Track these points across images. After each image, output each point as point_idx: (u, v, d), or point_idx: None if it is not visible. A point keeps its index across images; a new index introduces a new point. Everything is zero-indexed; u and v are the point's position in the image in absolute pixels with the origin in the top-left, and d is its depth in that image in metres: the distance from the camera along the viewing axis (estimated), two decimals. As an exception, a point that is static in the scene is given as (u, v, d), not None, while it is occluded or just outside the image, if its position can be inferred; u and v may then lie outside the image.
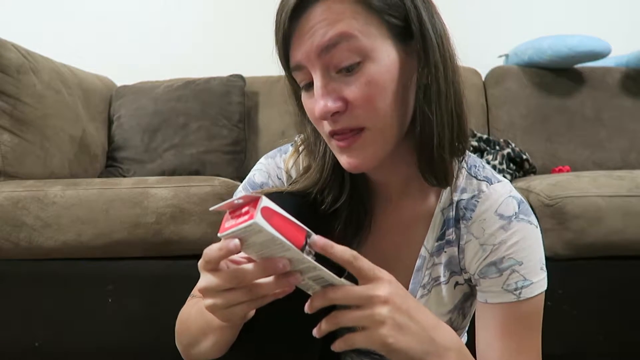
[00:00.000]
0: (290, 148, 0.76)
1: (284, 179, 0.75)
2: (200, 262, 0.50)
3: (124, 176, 1.70)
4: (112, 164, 1.77)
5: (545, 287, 0.67)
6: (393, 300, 0.51)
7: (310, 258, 0.47)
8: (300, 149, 0.73)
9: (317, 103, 0.58)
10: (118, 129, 1.81)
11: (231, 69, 1.94)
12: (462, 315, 0.73)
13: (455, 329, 0.73)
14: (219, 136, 1.79)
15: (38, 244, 1.22)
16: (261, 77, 1.95)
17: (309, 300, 0.51)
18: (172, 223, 1.22)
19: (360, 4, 0.56)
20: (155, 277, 1.26)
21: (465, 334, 0.81)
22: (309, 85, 0.60)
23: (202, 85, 1.85)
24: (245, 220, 0.44)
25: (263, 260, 0.48)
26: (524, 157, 1.69)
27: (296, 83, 0.63)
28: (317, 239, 0.48)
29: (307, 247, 0.47)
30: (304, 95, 0.62)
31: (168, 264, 1.26)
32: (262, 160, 0.78)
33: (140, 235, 1.22)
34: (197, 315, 0.63)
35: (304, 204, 0.67)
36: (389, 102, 0.58)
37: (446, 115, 0.60)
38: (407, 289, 0.70)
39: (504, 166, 1.64)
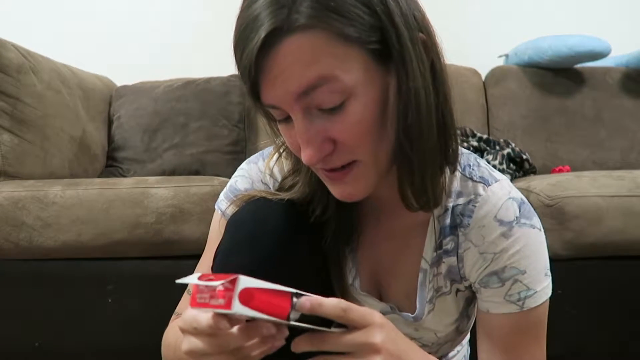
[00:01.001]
0: (272, 151, 0.72)
1: (269, 182, 0.71)
2: (180, 326, 0.48)
3: (124, 176, 1.70)
4: (112, 164, 1.77)
5: (549, 293, 0.64)
6: (385, 347, 0.49)
7: (297, 323, 0.45)
8: (281, 150, 0.69)
9: (303, 151, 0.53)
10: (118, 129, 1.81)
11: (231, 69, 1.91)
12: (467, 317, 0.72)
13: (461, 332, 0.72)
14: (219, 136, 1.79)
15: (38, 244, 1.22)
16: None
17: (296, 340, 0.48)
18: (172, 223, 1.22)
19: (336, 37, 0.49)
20: (155, 277, 1.26)
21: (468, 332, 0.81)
22: (288, 119, 0.54)
23: (202, 85, 1.85)
24: (221, 306, 0.42)
25: (247, 326, 0.46)
26: (524, 157, 1.69)
27: (269, 114, 0.57)
28: (303, 302, 0.45)
29: (293, 310, 0.45)
30: (281, 127, 0.57)
31: (168, 264, 1.26)
32: (243, 165, 0.74)
33: (140, 235, 1.22)
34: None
35: (293, 213, 0.64)
36: (377, 133, 0.54)
37: (428, 148, 0.55)
38: (413, 302, 0.68)
39: (504, 166, 1.64)
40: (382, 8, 0.50)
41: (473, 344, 0.84)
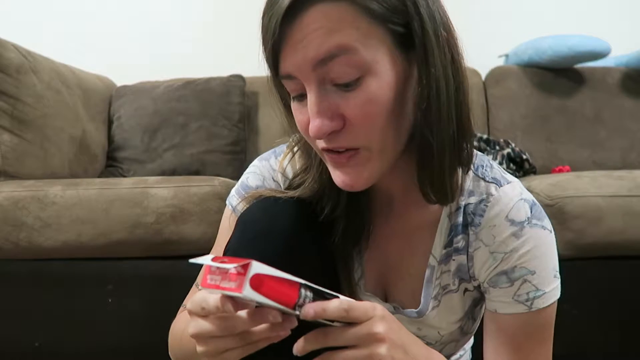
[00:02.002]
0: (285, 149, 0.72)
1: (280, 180, 0.71)
2: (189, 308, 0.49)
3: (124, 176, 1.70)
4: (112, 164, 1.77)
5: (558, 295, 0.64)
6: (389, 337, 0.49)
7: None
8: (295, 149, 0.70)
9: (312, 122, 0.53)
10: (118, 129, 1.81)
11: (231, 69, 1.94)
12: (472, 319, 0.71)
13: (465, 333, 0.72)
14: (219, 136, 1.79)
15: (38, 244, 1.22)
16: (261, 77, 1.89)
17: (299, 343, 0.48)
18: (172, 223, 1.22)
19: (361, 11, 0.50)
20: (155, 277, 1.26)
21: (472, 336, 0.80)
22: (302, 96, 0.55)
23: (202, 85, 1.85)
24: (232, 289, 0.43)
25: (255, 310, 0.46)
26: (524, 157, 1.69)
27: (284, 90, 0.58)
28: (307, 311, 0.45)
29: (300, 300, 0.45)
30: (294, 105, 0.57)
31: (168, 264, 1.26)
32: (255, 162, 0.74)
33: (140, 235, 1.22)
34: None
35: (303, 212, 0.64)
36: (389, 120, 0.54)
37: (447, 136, 0.55)
38: (419, 300, 0.68)
39: (504, 166, 1.64)
40: None
41: (475, 349, 0.83)
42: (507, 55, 2.10)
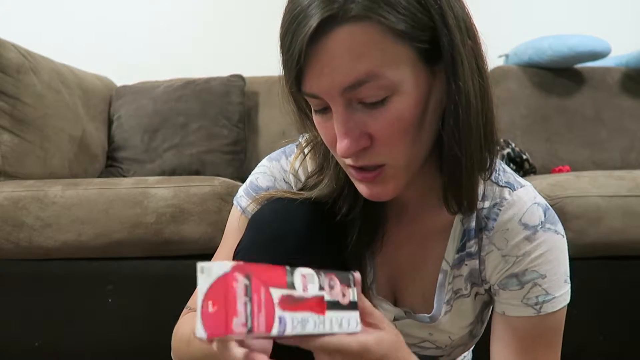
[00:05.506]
0: (294, 149, 0.71)
1: (291, 181, 0.70)
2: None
3: (124, 176, 1.70)
4: (112, 164, 1.77)
5: (568, 300, 0.64)
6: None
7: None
8: (306, 150, 0.68)
9: (339, 141, 0.52)
10: (118, 129, 1.81)
11: (231, 69, 1.94)
12: (481, 322, 0.71)
13: (474, 336, 0.72)
14: (219, 136, 1.79)
15: (38, 244, 1.22)
16: (261, 77, 1.95)
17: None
18: (172, 223, 1.22)
19: (387, 32, 0.49)
20: (155, 277, 1.26)
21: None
22: (325, 109, 0.54)
23: (202, 85, 1.85)
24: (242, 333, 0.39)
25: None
26: (524, 157, 1.69)
27: (303, 106, 0.57)
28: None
29: (289, 277, 0.44)
30: (317, 118, 0.56)
31: (168, 264, 1.26)
32: (264, 162, 0.72)
33: (140, 235, 1.22)
34: (200, 343, 0.59)
35: (317, 214, 0.63)
36: (414, 135, 0.53)
37: (476, 150, 0.55)
38: (429, 305, 0.67)
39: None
40: (436, 9, 0.51)
41: (476, 349, 0.83)
42: (507, 55, 2.10)
